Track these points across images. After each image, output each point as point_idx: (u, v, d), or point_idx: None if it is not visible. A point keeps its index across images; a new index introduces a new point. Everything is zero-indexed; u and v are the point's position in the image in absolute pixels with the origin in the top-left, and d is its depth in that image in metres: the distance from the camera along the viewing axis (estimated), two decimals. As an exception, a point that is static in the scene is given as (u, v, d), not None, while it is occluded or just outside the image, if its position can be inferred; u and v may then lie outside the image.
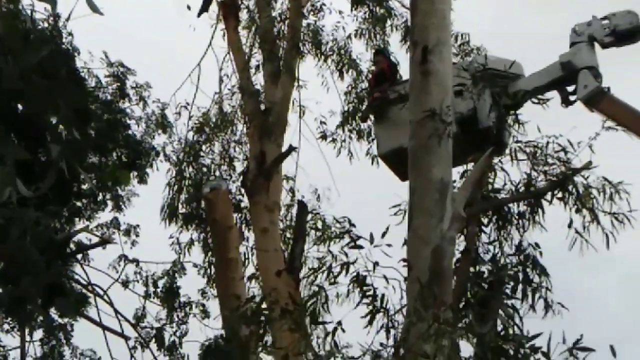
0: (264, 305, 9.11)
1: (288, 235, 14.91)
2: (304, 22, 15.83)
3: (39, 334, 16.47)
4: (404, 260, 8.19)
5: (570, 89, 10.08)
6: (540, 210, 9.15)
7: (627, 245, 9.15)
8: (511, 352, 7.17)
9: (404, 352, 7.50)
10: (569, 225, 9.05)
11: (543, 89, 9.98)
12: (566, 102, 10.00)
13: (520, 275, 8.97)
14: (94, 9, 5.28)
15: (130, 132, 16.07)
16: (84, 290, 14.23)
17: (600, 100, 9.56)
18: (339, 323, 7.83)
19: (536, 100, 9.67)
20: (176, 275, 16.34)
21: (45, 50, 7.25)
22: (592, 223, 9.02)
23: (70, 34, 14.58)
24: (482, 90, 9.50)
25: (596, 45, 10.04)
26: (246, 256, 14.20)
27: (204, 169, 15.90)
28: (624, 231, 8.91)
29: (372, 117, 12.04)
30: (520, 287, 8.91)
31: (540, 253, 9.13)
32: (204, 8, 15.83)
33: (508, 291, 8.91)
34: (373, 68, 13.39)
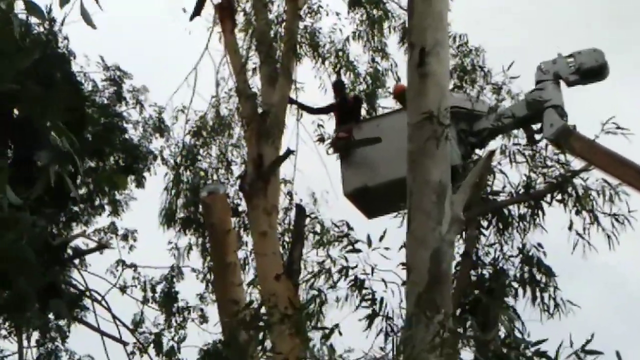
0: (263, 310, 9.07)
1: (286, 238, 14.85)
2: (301, 24, 15.78)
3: (35, 337, 16.41)
4: (402, 264, 8.15)
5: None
6: (540, 212, 9.12)
7: (610, 254, 9.12)
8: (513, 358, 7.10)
9: None
10: (569, 228, 9.02)
11: (509, 127, 10.04)
12: (532, 141, 10.01)
13: (526, 276, 8.96)
14: (88, 21, 5.25)
15: (127, 136, 16.02)
16: (82, 295, 14.18)
17: (566, 139, 9.59)
18: (336, 326, 7.81)
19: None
20: (174, 280, 16.30)
21: (39, 52, 7.20)
22: (592, 225, 8.99)
23: (66, 38, 14.53)
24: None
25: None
26: (245, 261, 14.16)
27: (202, 173, 15.85)
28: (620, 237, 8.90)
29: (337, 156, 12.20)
30: (527, 288, 8.90)
31: (544, 254, 9.11)
32: (197, 12, 15.80)
33: (512, 294, 8.90)
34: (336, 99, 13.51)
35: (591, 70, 10.09)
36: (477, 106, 10.52)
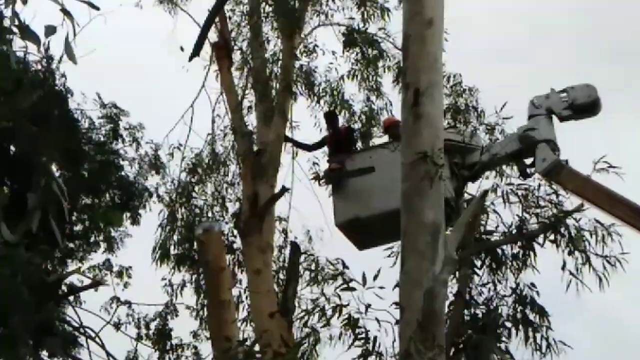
0: (256, 348, 9.08)
1: (281, 276, 14.85)
2: (297, 63, 15.88)
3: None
4: (396, 303, 8.17)
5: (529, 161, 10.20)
6: (532, 253, 9.15)
7: (605, 294, 9.12)
8: None
9: None
10: (562, 267, 9.04)
11: (502, 160, 10.09)
12: (524, 175, 10.05)
13: (519, 316, 8.97)
14: (71, 57, 5.31)
15: (123, 173, 16.06)
16: (76, 332, 14.15)
17: (559, 174, 9.62)
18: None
19: None
20: (168, 317, 16.25)
21: (37, 94, 7.30)
22: (585, 265, 9.01)
23: (63, 75, 14.61)
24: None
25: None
26: (239, 298, 14.14)
27: (197, 210, 15.86)
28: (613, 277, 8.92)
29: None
30: (520, 327, 8.91)
31: (537, 293, 9.12)
32: (195, 53, 15.87)
33: (505, 333, 8.91)
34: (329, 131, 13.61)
35: (584, 105, 10.11)
36: (471, 140, 10.58)
